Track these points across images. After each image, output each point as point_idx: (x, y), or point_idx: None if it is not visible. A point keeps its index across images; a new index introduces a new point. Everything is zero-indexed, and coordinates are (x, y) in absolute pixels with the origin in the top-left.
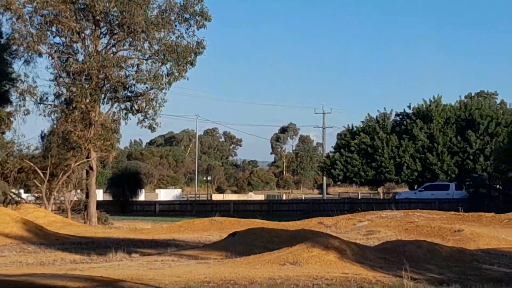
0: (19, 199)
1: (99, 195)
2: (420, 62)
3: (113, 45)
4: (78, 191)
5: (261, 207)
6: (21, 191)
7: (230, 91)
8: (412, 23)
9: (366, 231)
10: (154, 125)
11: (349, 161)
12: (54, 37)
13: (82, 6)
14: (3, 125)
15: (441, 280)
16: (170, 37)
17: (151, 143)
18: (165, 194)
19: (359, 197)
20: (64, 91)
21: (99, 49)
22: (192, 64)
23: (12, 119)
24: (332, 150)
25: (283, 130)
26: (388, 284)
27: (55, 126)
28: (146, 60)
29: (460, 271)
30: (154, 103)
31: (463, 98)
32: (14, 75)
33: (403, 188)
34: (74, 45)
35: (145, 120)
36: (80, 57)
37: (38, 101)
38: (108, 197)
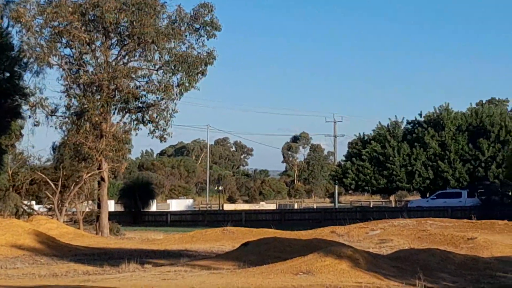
0: (31, 210)
1: (111, 205)
2: (431, 69)
3: (124, 56)
4: (90, 202)
5: (273, 216)
6: (33, 202)
7: (240, 100)
8: (422, 30)
9: (379, 239)
10: (165, 135)
11: (361, 170)
12: (64, 48)
13: (92, 17)
14: (14, 138)
15: None
16: (181, 48)
17: (162, 153)
18: (177, 205)
19: (371, 206)
20: (75, 102)
21: (110, 60)
22: (203, 74)
23: (22, 132)
24: (344, 158)
25: (295, 139)
26: None
27: (66, 138)
28: (157, 70)
29: (473, 279)
30: (165, 114)
31: (474, 105)
32: (27, 90)
33: (415, 196)
34: (84, 56)
35: (156, 130)
36: (91, 69)
37: (49, 113)
38: (120, 208)
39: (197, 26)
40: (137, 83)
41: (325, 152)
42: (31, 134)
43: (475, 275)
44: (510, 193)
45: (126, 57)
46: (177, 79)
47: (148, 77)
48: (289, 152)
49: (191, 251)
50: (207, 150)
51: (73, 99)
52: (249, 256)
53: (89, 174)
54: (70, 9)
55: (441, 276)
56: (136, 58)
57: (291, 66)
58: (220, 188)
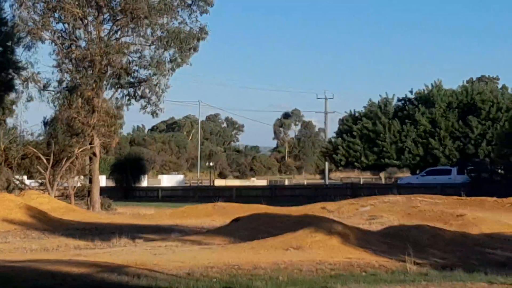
0: (23, 185)
1: (102, 181)
2: (422, 46)
3: (116, 31)
4: (82, 177)
5: (263, 192)
6: (25, 177)
7: (232, 76)
8: (413, 6)
9: (369, 216)
10: (157, 111)
11: (351, 146)
12: (57, 23)
13: None
14: (6, 112)
15: (444, 264)
16: (173, 23)
17: (153, 129)
18: (168, 180)
19: (361, 182)
20: (67, 77)
21: (102, 35)
22: (195, 50)
23: (14, 106)
24: (334, 135)
25: (287, 115)
26: (392, 269)
27: (58, 113)
28: (149, 46)
29: (463, 256)
30: (157, 89)
31: (464, 82)
32: (19, 64)
33: (405, 173)
34: (77, 31)
35: (148, 106)
36: (83, 44)
37: (42, 87)
38: (111, 183)
39: (190, 1)
40: (130, 59)
41: (316, 129)
42: (23, 109)
43: (464, 252)
44: (499, 171)
45: (119, 33)
46: (170, 54)
47: (140, 52)
48: (281, 129)
49: (182, 226)
50: (199, 126)
51: (65, 74)
52: (240, 231)
53: (81, 149)
54: None
55: (431, 252)
56: (128, 33)
57: (283, 42)
58: (211, 164)
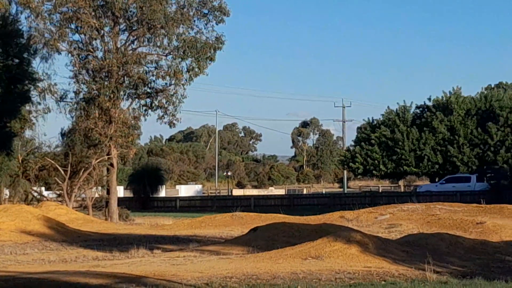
0: (40, 196)
1: (120, 191)
2: (439, 53)
3: (132, 42)
4: (99, 188)
5: (282, 201)
6: (42, 188)
7: (249, 85)
8: (431, 15)
9: (388, 224)
10: (174, 121)
11: (369, 154)
12: (73, 34)
13: (101, 3)
14: (24, 124)
15: (464, 272)
16: (189, 33)
17: (170, 139)
18: (186, 190)
19: (380, 191)
20: (84, 88)
21: (119, 46)
22: (211, 60)
23: (32, 118)
24: (352, 143)
25: (305, 124)
26: (411, 278)
27: (75, 124)
28: (166, 56)
29: (483, 264)
30: (174, 99)
31: (483, 89)
32: (35, 75)
33: (423, 181)
34: (94, 42)
35: (165, 116)
36: (100, 54)
37: (58, 99)
38: (129, 194)
39: (206, 11)
40: (146, 69)
41: (334, 137)
42: (42, 121)
43: (484, 260)
44: None
45: (135, 43)
46: (186, 64)
47: (157, 62)
48: (299, 138)
49: (200, 236)
50: (216, 136)
51: (82, 85)
52: (258, 241)
53: (98, 160)
54: None
55: (450, 260)
56: (145, 43)
57: (300, 51)
58: (229, 173)
